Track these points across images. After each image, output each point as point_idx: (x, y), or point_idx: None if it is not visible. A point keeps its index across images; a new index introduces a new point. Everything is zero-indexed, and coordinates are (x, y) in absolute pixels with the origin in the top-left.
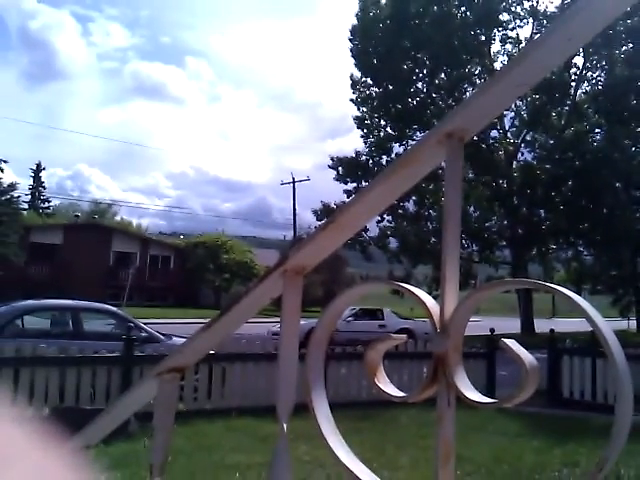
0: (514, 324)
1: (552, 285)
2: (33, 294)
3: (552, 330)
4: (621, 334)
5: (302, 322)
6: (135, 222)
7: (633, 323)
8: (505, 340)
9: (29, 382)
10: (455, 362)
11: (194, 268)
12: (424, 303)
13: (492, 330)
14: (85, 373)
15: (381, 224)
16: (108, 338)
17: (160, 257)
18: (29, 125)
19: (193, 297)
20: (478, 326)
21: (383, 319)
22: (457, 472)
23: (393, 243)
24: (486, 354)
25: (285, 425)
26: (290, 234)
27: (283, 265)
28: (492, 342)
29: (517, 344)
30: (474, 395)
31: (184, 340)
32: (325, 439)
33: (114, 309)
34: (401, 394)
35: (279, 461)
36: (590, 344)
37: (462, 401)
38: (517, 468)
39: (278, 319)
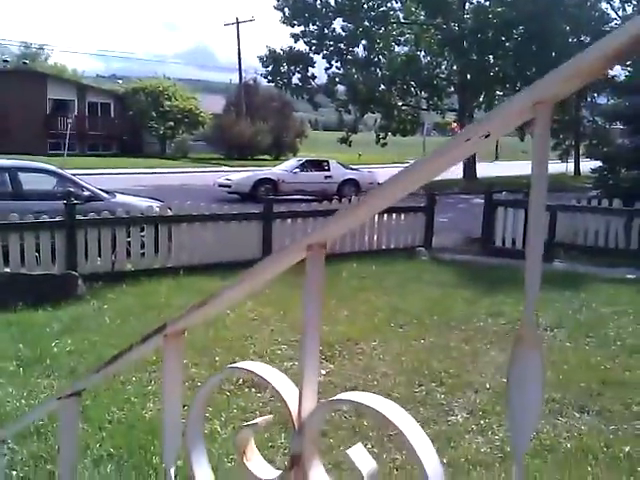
0: (456, 169)
1: None
2: None
3: (490, 186)
4: (559, 177)
5: (249, 174)
6: (70, 67)
7: (571, 166)
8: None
9: None
10: (310, 458)
11: (136, 115)
12: (281, 397)
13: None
14: (28, 238)
15: (330, 71)
16: (49, 198)
17: (99, 104)
18: None
19: (137, 145)
20: None
21: (329, 170)
22: (391, 324)
23: (341, 90)
24: (425, 208)
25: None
26: (236, 77)
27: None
28: (431, 198)
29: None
30: None
31: (126, 197)
32: None
33: (54, 168)
34: (270, 475)
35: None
36: (525, 196)
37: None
38: (446, 319)
39: (223, 170)
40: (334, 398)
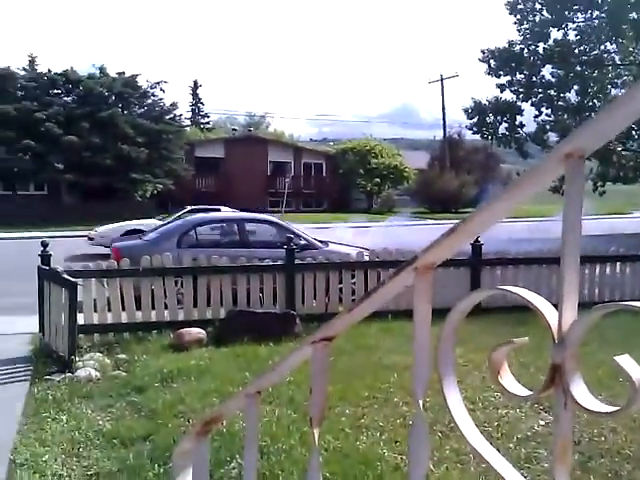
0: None
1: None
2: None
3: None
4: None
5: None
6: (287, 133)
7: None
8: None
9: (206, 287)
10: (571, 371)
11: (345, 174)
12: (541, 312)
13: None
14: (254, 280)
15: (539, 118)
16: (271, 246)
17: (313, 165)
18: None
19: (346, 202)
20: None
21: None
22: (619, 379)
23: (552, 138)
24: None
25: (421, 402)
26: (440, 134)
27: (414, 263)
28: None
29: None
30: (589, 403)
31: (338, 246)
32: (457, 424)
33: (275, 219)
34: (525, 393)
35: (416, 437)
36: None
37: (579, 407)
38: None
39: (427, 222)
40: (599, 306)
